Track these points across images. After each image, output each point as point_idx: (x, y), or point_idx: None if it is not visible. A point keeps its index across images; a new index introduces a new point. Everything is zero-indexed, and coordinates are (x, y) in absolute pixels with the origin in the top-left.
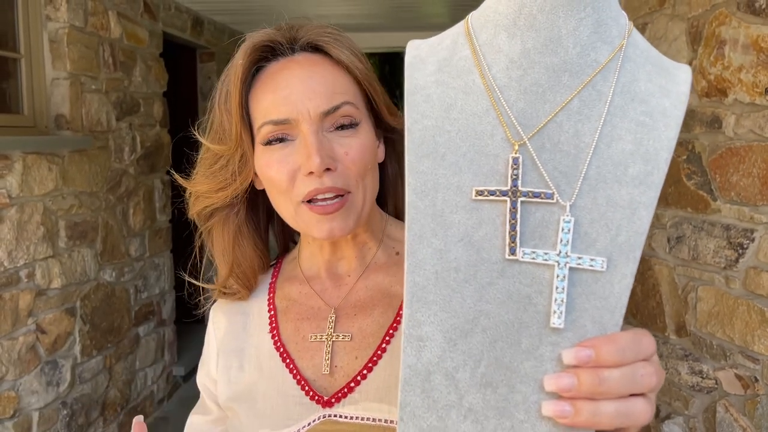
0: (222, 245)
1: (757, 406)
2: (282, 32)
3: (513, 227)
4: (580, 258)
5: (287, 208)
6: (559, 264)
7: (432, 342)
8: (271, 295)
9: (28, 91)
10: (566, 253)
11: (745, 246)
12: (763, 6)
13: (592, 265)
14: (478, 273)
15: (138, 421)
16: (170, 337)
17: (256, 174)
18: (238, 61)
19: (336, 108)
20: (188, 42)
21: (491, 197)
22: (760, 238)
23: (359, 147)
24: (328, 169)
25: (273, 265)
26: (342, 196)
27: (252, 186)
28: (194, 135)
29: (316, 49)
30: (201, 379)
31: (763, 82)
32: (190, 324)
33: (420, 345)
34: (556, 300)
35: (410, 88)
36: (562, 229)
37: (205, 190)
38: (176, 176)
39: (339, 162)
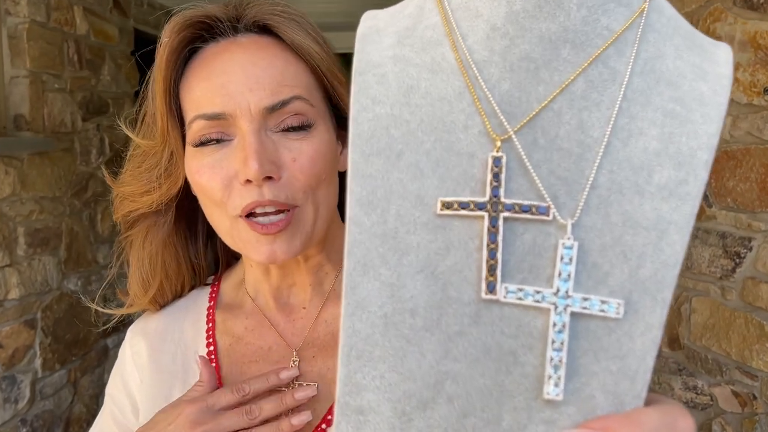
0: (141, 258)
1: (756, 426)
2: (225, 9)
3: (492, 254)
4: (586, 299)
5: (222, 222)
6: (556, 308)
7: (377, 416)
8: (210, 325)
9: None
10: (567, 293)
11: (742, 255)
12: (761, 0)
13: (603, 310)
14: (443, 318)
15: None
16: None
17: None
18: (164, 39)
19: (283, 103)
20: None
21: (463, 212)
22: (758, 247)
23: (311, 153)
24: (270, 178)
25: (208, 284)
26: (286, 211)
27: (186, 192)
28: (120, 126)
29: (264, 30)
30: (113, 390)
31: (761, 81)
32: None
33: (360, 420)
34: (551, 360)
35: (360, 67)
36: (561, 258)
37: (129, 191)
38: (106, 174)
39: (284, 170)
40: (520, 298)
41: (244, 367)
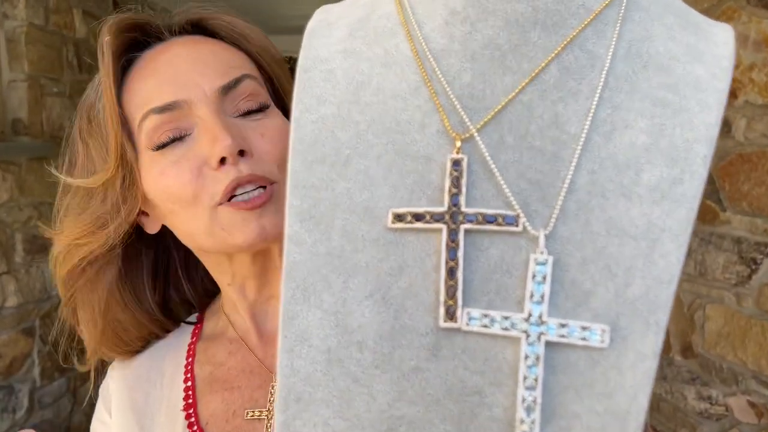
0: (89, 315)
1: None
2: (155, 17)
3: (452, 274)
4: (564, 326)
5: (199, 221)
6: (528, 336)
7: None
8: (190, 360)
9: None
10: (540, 318)
11: (758, 261)
12: None
13: (585, 338)
14: (396, 352)
15: None
16: None
17: (143, 213)
18: (106, 38)
19: (237, 81)
20: None
21: (418, 224)
22: None
23: (276, 128)
24: (242, 153)
25: (193, 322)
26: (265, 187)
27: (136, 234)
28: (56, 175)
29: (198, 29)
30: (95, 425)
31: None
32: None
33: None
34: (524, 400)
35: (305, 64)
36: (533, 277)
37: (77, 235)
38: (41, 227)
39: (255, 147)
40: (485, 326)
41: (225, 394)
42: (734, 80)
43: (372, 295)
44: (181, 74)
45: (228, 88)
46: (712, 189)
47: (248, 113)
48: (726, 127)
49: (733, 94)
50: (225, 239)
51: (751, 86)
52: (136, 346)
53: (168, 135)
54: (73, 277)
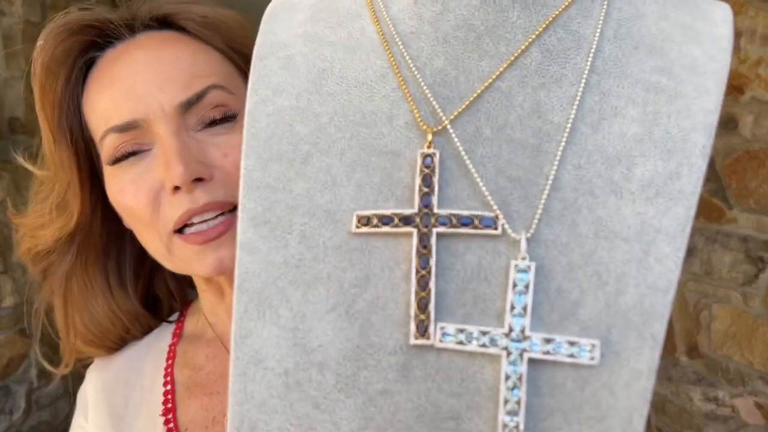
0: (62, 305)
1: None
2: (116, 11)
3: (424, 284)
4: (549, 341)
5: (157, 245)
6: (509, 354)
7: None
8: (170, 362)
9: None
10: (522, 333)
11: (765, 260)
12: None
13: (573, 355)
14: (362, 373)
15: None
16: None
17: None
18: (39, 43)
19: (199, 96)
20: None
21: (385, 228)
22: None
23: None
24: (200, 180)
25: (174, 321)
26: (228, 212)
27: (100, 230)
28: (16, 156)
29: (164, 24)
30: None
31: None
32: None
33: None
34: (505, 426)
35: (261, 51)
36: (514, 286)
37: (27, 223)
38: (10, 207)
39: (216, 168)
40: (461, 342)
41: (204, 399)
42: (741, 76)
43: (334, 309)
44: (139, 86)
45: (189, 104)
46: (718, 187)
47: (213, 123)
48: (733, 123)
49: (739, 90)
50: (184, 269)
51: (757, 82)
52: (110, 344)
53: (122, 151)
54: (35, 262)
